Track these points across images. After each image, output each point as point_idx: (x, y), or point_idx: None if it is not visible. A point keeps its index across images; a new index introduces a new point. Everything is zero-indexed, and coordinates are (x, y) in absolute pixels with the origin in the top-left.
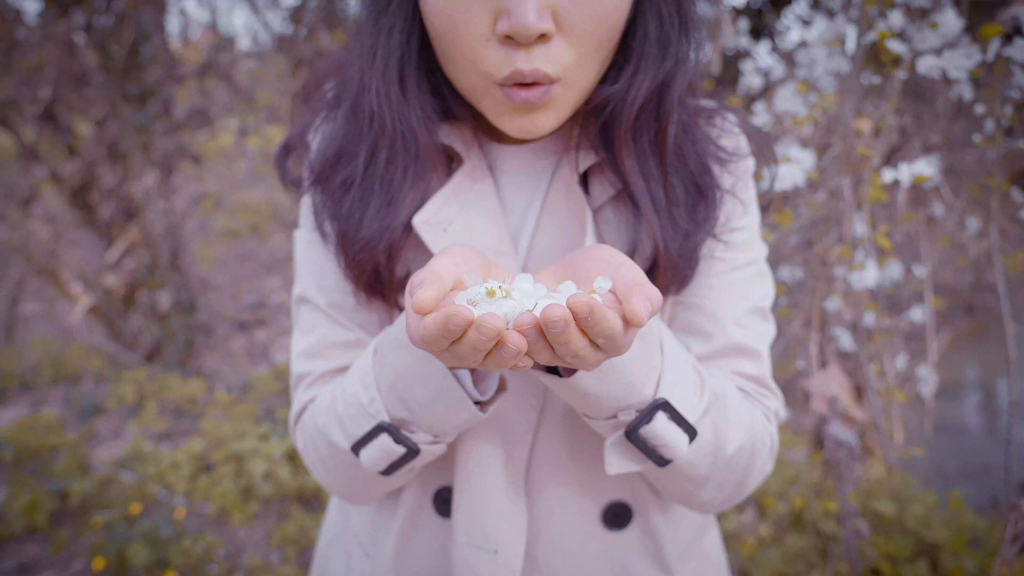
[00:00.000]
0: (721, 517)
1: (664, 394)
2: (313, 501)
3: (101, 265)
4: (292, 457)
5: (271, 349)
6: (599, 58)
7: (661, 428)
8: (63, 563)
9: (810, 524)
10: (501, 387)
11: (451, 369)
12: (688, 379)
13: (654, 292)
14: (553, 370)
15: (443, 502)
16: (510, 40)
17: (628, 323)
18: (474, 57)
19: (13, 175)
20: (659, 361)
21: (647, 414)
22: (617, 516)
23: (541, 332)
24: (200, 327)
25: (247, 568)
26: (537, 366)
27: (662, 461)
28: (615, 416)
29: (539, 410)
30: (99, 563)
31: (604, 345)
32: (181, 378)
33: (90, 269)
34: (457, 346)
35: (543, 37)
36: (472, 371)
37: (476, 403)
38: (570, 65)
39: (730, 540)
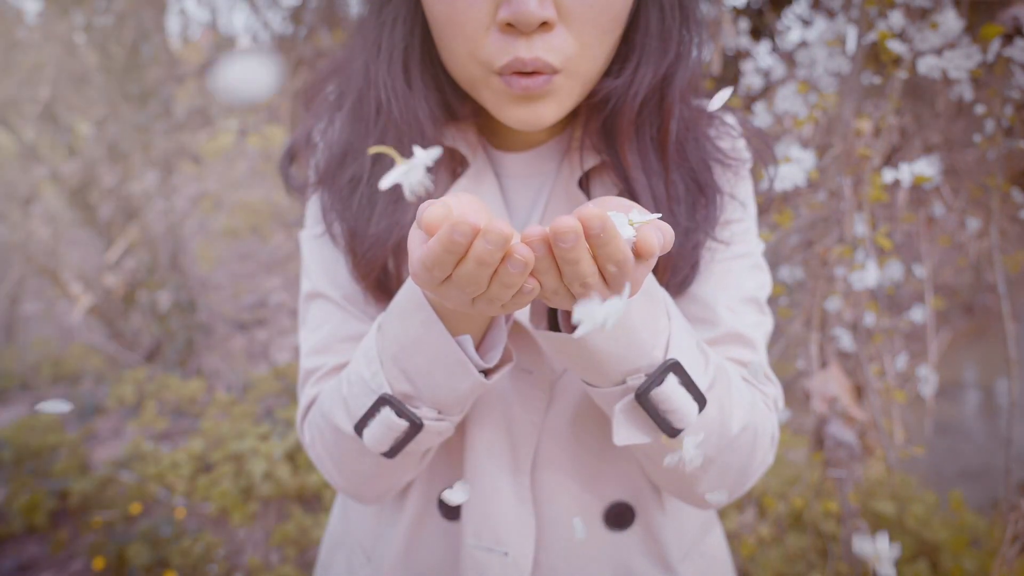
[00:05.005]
0: (722, 517)
1: (674, 355)
2: (313, 501)
3: (101, 265)
4: (292, 457)
5: (271, 349)
6: (602, 49)
7: (672, 391)
8: (63, 563)
9: (810, 524)
10: (506, 358)
11: (454, 339)
12: (694, 348)
13: (666, 226)
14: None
15: (448, 505)
16: (511, 28)
17: (639, 253)
18: (473, 46)
19: (13, 175)
20: (667, 324)
21: (657, 376)
22: (619, 517)
23: (549, 249)
24: (200, 327)
25: (247, 568)
26: (543, 324)
27: (672, 431)
28: (623, 382)
29: (543, 412)
30: (99, 563)
31: (613, 276)
32: (181, 378)
33: (90, 269)
34: (462, 267)
35: (545, 25)
36: (477, 346)
37: (481, 373)
38: (572, 55)
39: (730, 540)
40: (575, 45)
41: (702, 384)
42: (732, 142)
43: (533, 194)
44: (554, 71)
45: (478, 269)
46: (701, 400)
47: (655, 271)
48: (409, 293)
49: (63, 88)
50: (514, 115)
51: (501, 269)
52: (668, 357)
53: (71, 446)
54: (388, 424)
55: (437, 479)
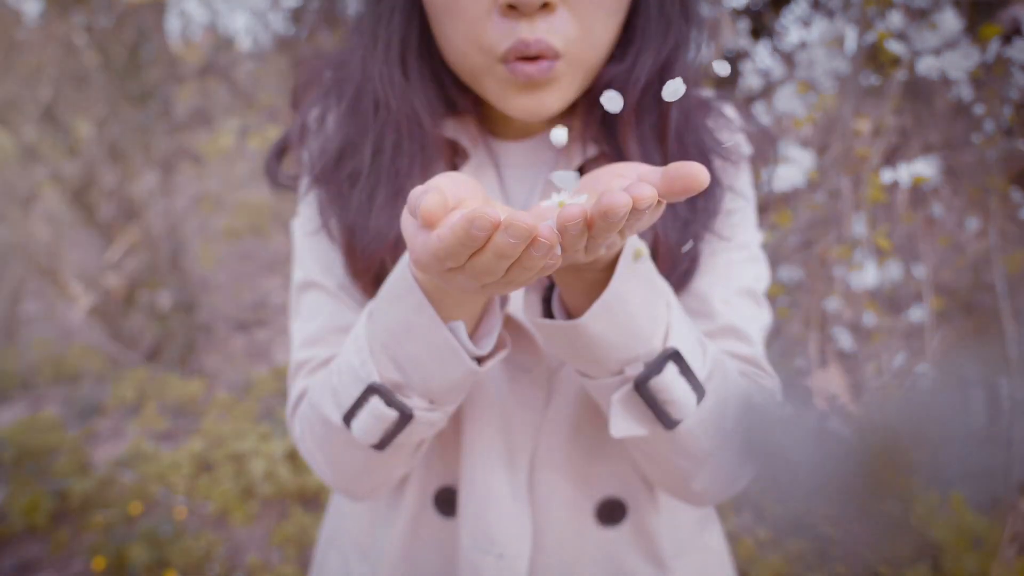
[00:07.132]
0: (720, 517)
1: (674, 344)
2: (313, 501)
3: (101, 265)
4: (292, 457)
5: (271, 349)
6: (604, 34)
7: (671, 380)
8: (63, 563)
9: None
10: (500, 345)
11: (446, 325)
12: (694, 339)
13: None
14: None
15: (445, 502)
16: (512, 11)
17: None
18: (475, 32)
19: (13, 175)
20: (666, 313)
21: (657, 365)
22: (611, 512)
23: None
24: (200, 327)
25: (247, 568)
26: (537, 315)
27: (670, 422)
28: (621, 372)
29: (542, 411)
30: (99, 563)
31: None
32: (181, 378)
33: (90, 269)
34: (478, 257)
35: (547, 7)
36: (471, 333)
37: (475, 360)
38: (574, 39)
39: (729, 541)
40: (577, 27)
41: (701, 375)
42: (731, 134)
43: (529, 186)
44: (557, 54)
45: (497, 261)
46: (700, 391)
47: (656, 265)
48: (399, 278)
49: (63, 88)
50: (518, 104)
51: (525, 255)
52: (668, 345)
53: (71, 446)
54: (377, 414)
55: (433, 477)
